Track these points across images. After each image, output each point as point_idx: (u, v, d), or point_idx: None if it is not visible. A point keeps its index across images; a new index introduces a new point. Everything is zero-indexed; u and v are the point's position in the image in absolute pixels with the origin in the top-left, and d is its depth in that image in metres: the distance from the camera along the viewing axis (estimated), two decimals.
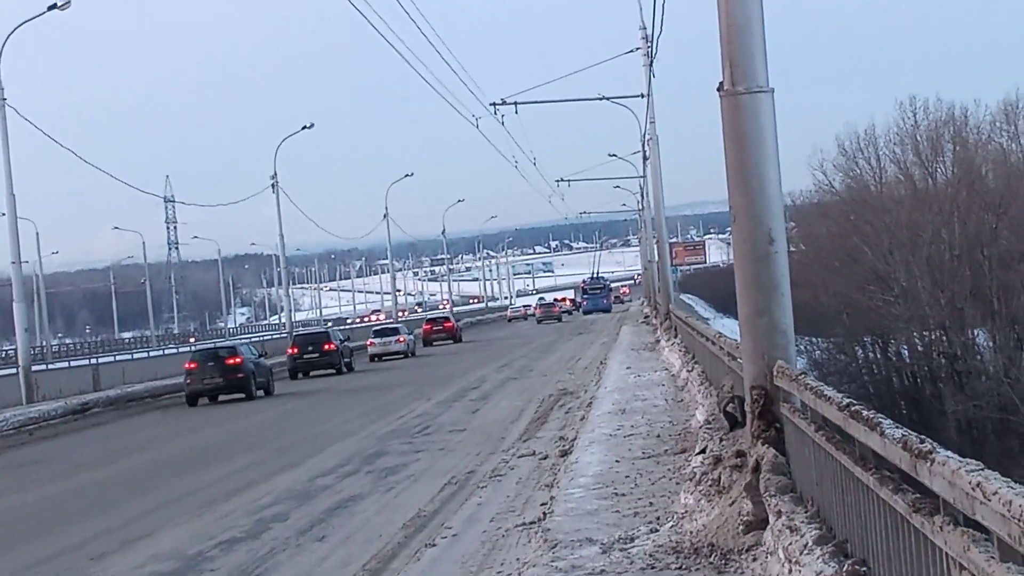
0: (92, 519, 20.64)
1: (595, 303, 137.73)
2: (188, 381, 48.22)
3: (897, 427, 7.09)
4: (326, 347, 61.49)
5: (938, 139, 76.38)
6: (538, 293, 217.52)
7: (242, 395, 47.64)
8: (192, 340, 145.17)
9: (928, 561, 6.38)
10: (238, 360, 47.90)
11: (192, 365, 48.56)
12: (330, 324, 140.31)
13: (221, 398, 47.75)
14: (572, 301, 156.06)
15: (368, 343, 74.02)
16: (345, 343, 63.98)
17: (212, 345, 60.14)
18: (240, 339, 72.75)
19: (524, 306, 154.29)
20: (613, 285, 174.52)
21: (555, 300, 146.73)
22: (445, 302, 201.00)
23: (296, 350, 62.03)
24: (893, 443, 6.85)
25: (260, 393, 48.11)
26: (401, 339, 73.43)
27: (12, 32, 52.04)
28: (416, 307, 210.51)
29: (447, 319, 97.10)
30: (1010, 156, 75.01)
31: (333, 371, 60.52)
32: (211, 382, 47.55)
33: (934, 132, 76.65)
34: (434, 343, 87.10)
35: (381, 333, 76.06)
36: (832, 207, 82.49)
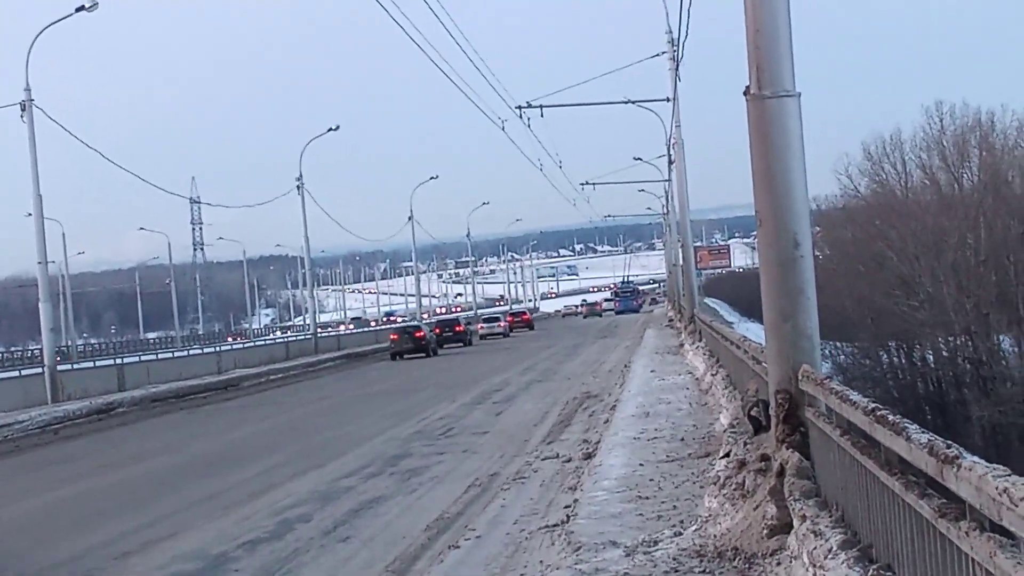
0: (116, 519, 20.69)
1: (626, 304, 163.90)
2: (392, 346, 76.10)
3: (923, 432, 7.07)
4: (457, 328, 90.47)
5: (964, 144, 76.22)
6: (563, 295, 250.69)
7: (423, 354, 74.24)
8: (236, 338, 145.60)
9: (954, 566, 6.36)
10: (422, 333, 77.62)
11: (395, 336, 77.88)
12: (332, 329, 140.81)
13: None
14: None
15: (479, 327, 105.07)
16: (469, 326, 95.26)
17: (407, 324, 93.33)
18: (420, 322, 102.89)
19: (575, 305, 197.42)
20: (643, 289, 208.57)
21: (594, 301, 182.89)
22: (442, 308, 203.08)
23: (439, 330, 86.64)
24: (919, 448, 6.84)
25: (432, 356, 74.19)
26: (501, 324, 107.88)
27: (40, 34, 52.26)
28: (391, 315, 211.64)
29: (525, 313, 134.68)
30: None
31: (462, 344, 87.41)
32: (406, 346, 75.54)
33: (960, 137, 76.50)
34: (514, 330, 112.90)
35: (488, 320, 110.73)
36: (858, 212, 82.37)
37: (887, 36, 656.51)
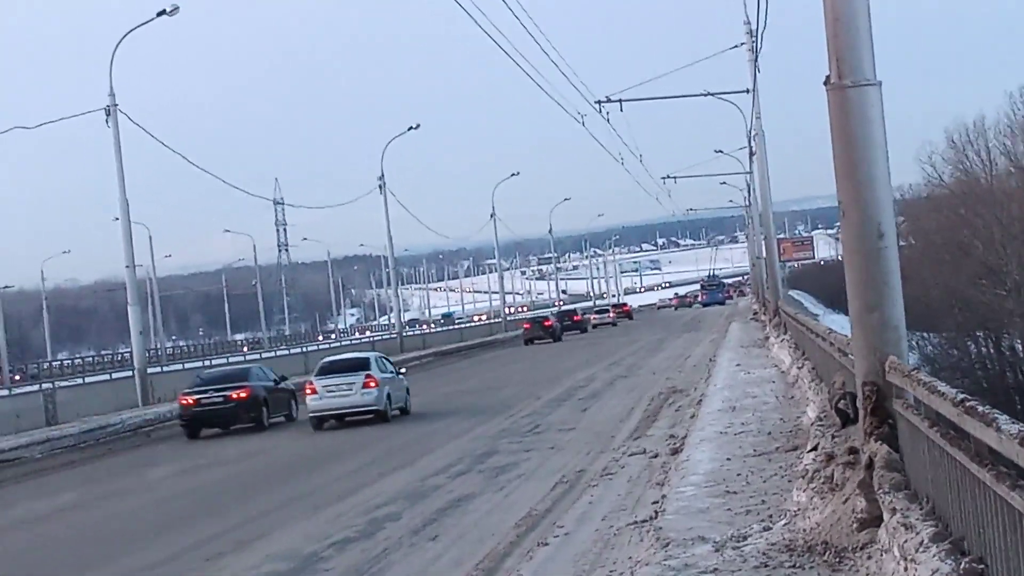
0: (208, 520, 20.89)
1: (713, 297, 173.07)
2: (525, 334, 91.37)
3: (1013, 423, 7.00)
4: (575, 318, 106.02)
5: None
6: (647, 290, 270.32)
7: (551, 340, 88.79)
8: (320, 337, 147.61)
9: None
10: (550, 323, 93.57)
11: (528, 325, 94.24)
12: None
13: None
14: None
15: (592, 317, 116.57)
16: (586, 315, 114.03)
17: (537, 315, 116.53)
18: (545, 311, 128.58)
19: (669, 299, 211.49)
20: (728, 282, 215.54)
21: (685, 294, 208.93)
22: (481, 314, 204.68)
23: (559, 320, 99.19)
24: (1010, 439, 6.77)
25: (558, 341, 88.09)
26: (611, 315, 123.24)
27: (122, 39, 52.77)
28: (449, 316, 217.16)
29: (625, 305, 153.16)
30: None
31: (579, 331, 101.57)
32: (537, 334, 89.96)
33: None
34: (619, 319, 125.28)
35: (599, 312, 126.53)
36: (942, 201, 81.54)
37: (968, 21, 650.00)
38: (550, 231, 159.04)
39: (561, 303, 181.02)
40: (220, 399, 38.27)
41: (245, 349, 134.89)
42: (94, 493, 27.27)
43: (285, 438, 35.84)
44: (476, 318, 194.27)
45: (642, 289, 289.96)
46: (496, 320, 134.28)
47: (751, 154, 73.52)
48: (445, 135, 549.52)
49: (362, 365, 36.83)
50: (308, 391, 36.41)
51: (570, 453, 24.83)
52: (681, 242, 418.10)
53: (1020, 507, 6.69)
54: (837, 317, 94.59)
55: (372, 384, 35.87)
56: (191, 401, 38.59)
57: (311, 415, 36.28)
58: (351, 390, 35.79)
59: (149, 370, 55.60)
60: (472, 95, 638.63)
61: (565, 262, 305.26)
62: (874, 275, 12.44)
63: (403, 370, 40.30)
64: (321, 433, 35.39)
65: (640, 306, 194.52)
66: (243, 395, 38.36)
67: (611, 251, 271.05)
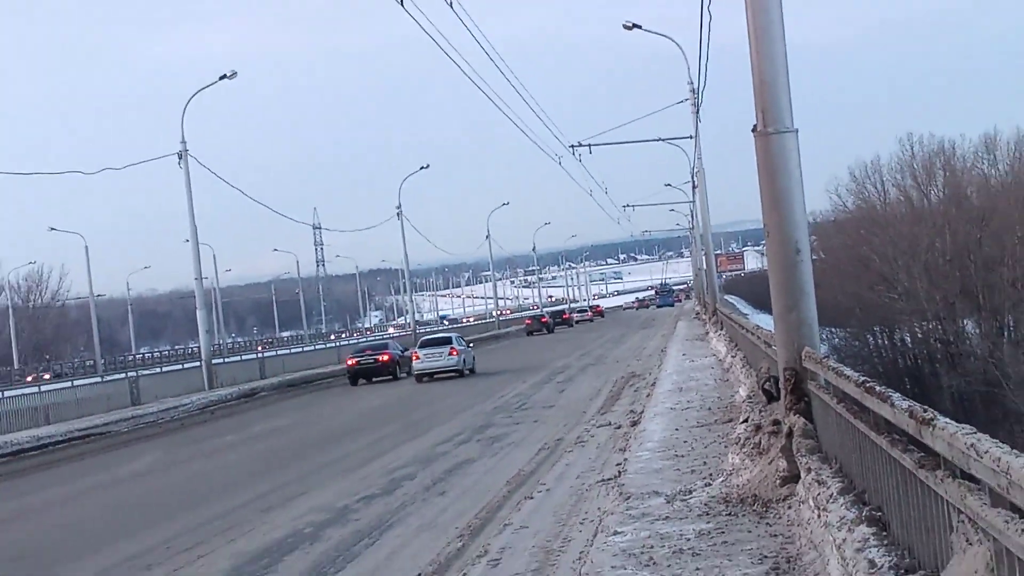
0: (260, 481, 20.82)
1: (664, 300, 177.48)
2: (526, 328, 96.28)
3: (904, 399, 7.01)
4: (565, 316, 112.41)
5: (931, 167, 75.55)
6: (610, 296, 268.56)
7: (546, 331, 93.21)
8: (332, 336, 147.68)
9: (932, 508, 6.31)
10: (546, 319, 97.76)
11: (528, 321, 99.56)
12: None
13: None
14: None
15: (575, 316, 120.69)
16: (572, 314, 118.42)
17: (537, 313, 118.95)
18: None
19: (632, 302, 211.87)
20: (676, 288, 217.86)
21: (643, 298, 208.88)
22: (469, 317, 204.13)
23: (552, 317, 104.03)
24: (901, 412, 6.78)
25: (551, 333, 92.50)
26: (589, 314, 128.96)
27: (192, 97, 52.76)
28: (444, 318, 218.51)
29: (598, 306, 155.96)
30: (990, 180, 74.10)
31: (568, 326, 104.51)
32: (536, 327, 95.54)
33: (928, 161, 75.86)
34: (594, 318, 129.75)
35: (580, 311, 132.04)
36: (846, 223, 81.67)
37: (864, 77, 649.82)
38: (534, 249, 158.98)
39: (540, 306, 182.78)
40: (372, 360, 47.76)
41: (260, 348, 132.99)
42: (169, 460, 27.18)
43: (372, 395, 40.16)
44: (464, 320, 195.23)
45: (593, 297, 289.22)
46: (491, 320, 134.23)
47: (694, 187, 73.56)
48: (451, 173, 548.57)
49: (448, 341, 45.95)
50: (414, 357, 44.93)
51: (551, 425, 24.78)
52: (638, 257, 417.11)
53: (910, 466, 6.69)
54: (763, 316, 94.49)
55: (455, 353, 44.48)
56: (354, 362, 47.95)
57: (415, 373, 44.56)
58: (441, 357, 44.32)
59: (213, 361, 55.39)
60: (471, 141, 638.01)
61: (546, 273, 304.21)
62: (792, 282, 12.45)
63: (471, 344, 50.09)
64: (391, 392, 41.23)
65: (607, 308, 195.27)
66: (386, 358, 47.75)
67: (583, 264, 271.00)
